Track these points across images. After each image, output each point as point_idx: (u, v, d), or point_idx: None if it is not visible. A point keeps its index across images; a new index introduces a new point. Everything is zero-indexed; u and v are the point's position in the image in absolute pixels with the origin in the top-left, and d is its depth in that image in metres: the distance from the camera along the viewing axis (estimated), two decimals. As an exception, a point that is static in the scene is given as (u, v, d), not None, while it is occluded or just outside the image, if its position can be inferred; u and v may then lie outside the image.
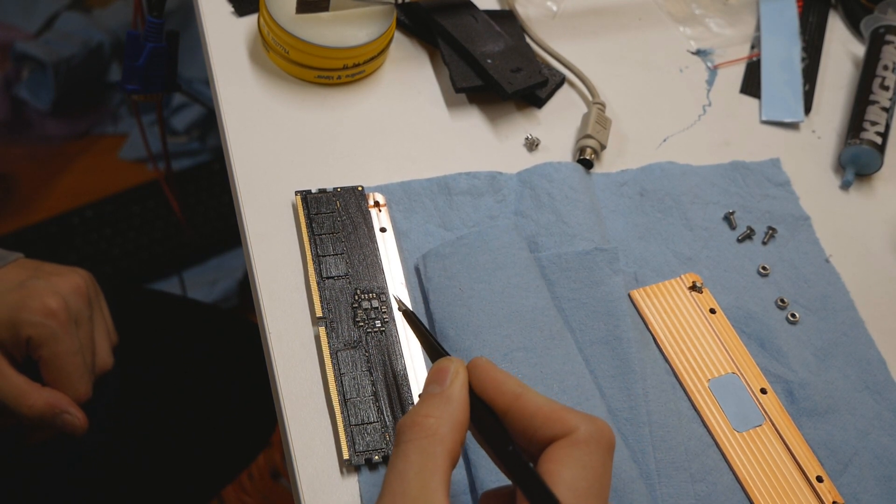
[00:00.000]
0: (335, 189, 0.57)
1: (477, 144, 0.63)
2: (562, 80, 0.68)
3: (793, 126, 0.71)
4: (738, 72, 0.73)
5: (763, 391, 0.55)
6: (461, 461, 0.49)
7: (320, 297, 0.52)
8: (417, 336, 0.46)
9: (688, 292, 0.58)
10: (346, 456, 0.47)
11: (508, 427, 0.38)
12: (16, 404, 0.57)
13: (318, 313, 0.52)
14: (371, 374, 0.50)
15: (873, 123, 0.68)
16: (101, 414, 0.62)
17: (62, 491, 0.71)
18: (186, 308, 0.88)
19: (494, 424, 0.38)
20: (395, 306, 0.52)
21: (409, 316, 0.46)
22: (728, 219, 0.63)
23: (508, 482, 0.40)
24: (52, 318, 0.56)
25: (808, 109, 0.72)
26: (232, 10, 0.66)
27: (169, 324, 0.82)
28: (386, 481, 0.36)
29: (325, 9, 0.62)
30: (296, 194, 0.56)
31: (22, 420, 0.58)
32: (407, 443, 0.37)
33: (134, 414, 0.75)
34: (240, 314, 0.89)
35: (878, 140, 0.68)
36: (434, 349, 0.43)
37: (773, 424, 0.54)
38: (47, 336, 0.56)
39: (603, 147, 0.64)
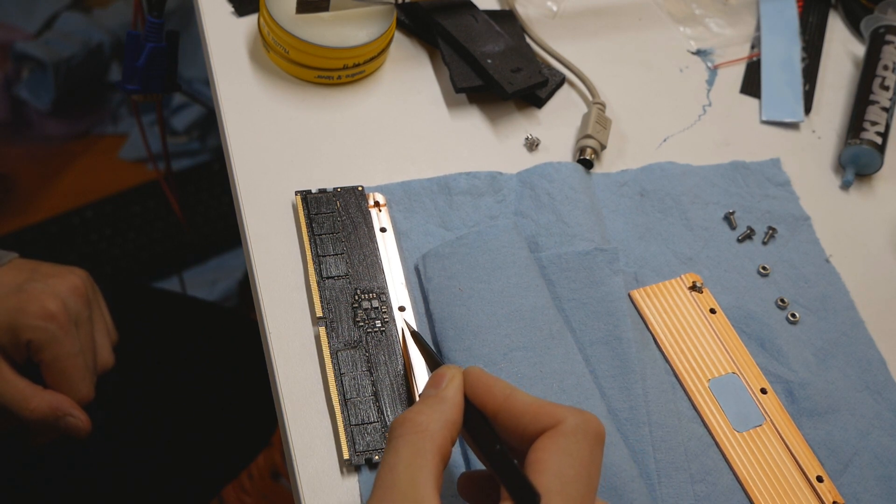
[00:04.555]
0: (335, 189, 0.57)
1: (477, 144, 0.63)
2: (562, 80, 0.68)
3: (793, 126, 0.71)
4: (738, 72, 0.73)
5: (763, 391, 0.55)
6: (461, 462, 0.49)
7: (320, 297, 0.52)
8: (423, 355, 0.47)
9: (688, 292, 0.58)
10: (346, 456, 0.47)
11: (500, 427, 0.39)
12: (18, 408, 0.56)
13: (319, 313, 0.52)
14: (371, 374, 0.50)
15: (873, 123, 0.68)
16: (101, 413, 0.62)
17: (63, 491, 0.71)
18: (187, 306, 0.88)
19: (483, 426, 0.40)
20: (403, 328, 0.52)
21: (416, 337, 0.48)
22: (728, 219, 0.63)
23: None
24: (52, 322, 0.56)
25: (808, 109, 0.72)
26: (232, 10, 0.66)
27: (169, 322, 0.82)
28: (377, 476, 0.37)
29: (325, 9, 0.62)
30: (296, 194, 0.56)
31: (25, 424, 0.58)
32: (397, 438, 0.38)
33: (134, 413, 0.75)
34: (240, 312, 0.89)
35: (878, 140, 0.68)
36: (437, 365, 0.44)
37: (773, 424, 0.54)
38: (48, 339, 0.56)
39: (603, 147, 0.63)
